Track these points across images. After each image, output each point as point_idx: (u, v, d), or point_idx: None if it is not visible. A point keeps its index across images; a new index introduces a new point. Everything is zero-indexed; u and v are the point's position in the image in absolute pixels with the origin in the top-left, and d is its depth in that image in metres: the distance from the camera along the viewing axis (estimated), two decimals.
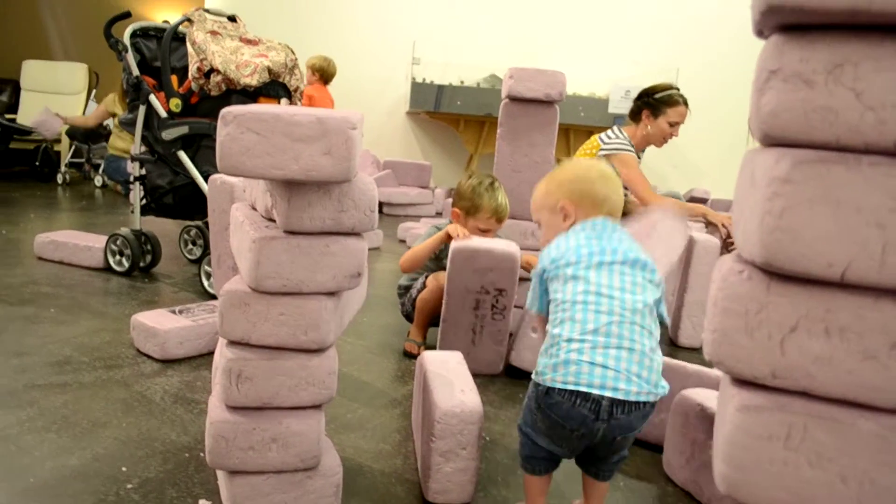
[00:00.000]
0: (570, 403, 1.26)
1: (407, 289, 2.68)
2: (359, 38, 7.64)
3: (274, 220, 1.47)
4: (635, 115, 3.38)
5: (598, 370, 1.24)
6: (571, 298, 1.34)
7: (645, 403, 1.26)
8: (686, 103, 3.34)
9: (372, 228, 1.45)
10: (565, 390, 1.26)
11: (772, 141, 0.70)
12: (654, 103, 3.33)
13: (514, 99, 2.79)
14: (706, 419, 1.51)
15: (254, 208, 1.66)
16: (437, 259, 2.63)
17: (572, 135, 7.11)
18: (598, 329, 1.27)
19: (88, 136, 7.07)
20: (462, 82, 7.05)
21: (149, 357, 2.36)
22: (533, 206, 1.59)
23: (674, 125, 3.32)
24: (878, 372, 0.67)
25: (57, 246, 3.65)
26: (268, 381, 1.40)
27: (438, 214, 6.46)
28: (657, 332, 1.34)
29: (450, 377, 1.70)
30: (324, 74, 5.61)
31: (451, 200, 5.97)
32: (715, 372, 1.81)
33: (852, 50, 0.65)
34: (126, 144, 6.17)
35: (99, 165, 6.86)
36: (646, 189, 3.25)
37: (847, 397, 0.69)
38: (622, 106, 6.65)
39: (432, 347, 2.59)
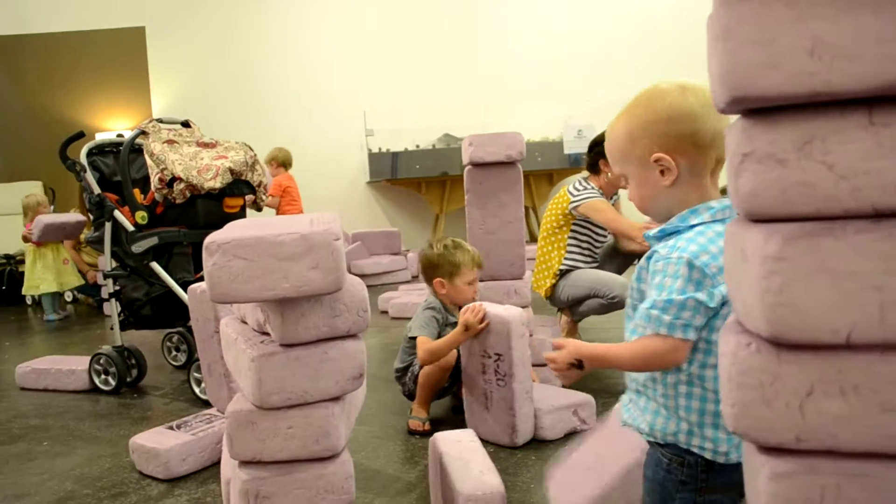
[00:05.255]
0: None
1: (405, 370, 2.67)
2: (310, 116, 7.75)
3: (268, 334, 1.48)
4: (593, 166, 3.44)
5: None
6: None
7: None
8: None
9: (366, 327, 1.46)
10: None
11: (755, 218, 0.73)
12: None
13: (477, 164, 2.84)
14: None
15: (243, 322, 1.66)
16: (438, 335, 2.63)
17: (532, 181, 7.21)
18: None
19: None
20: (417, 146, 7.15)
21: (153, 478, 2.31)
22: (612, 154, 1.22)
23: None
24: None
25: (39, 374, 3.59)
26: (286, 496, 1.39)
27: (414, 278, 6.48)
28: None
29: (466, 458, 1.69)
30: (285, 162, 5.83)
31: None
32: None
33: (818, 126, 0.69)
34: (92, 258, 6.13)
35: None
36: (628, 226, 3.27)
37: (872, 450, 0.71)
38: (576, 146, 6.77)
39: (436, 421, 2.58)
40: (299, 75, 7.95)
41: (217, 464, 2.35)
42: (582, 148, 6.80)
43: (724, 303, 1.06)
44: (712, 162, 1.14)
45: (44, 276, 5.74)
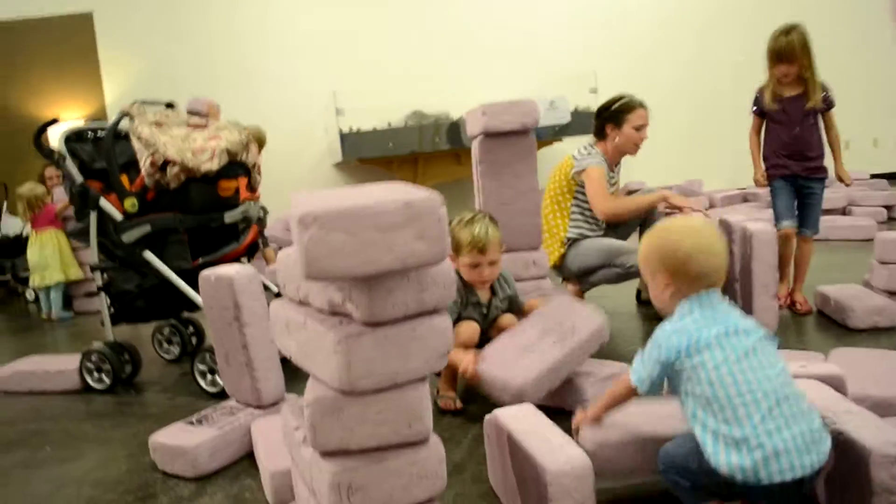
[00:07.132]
0: None
1: None
2: (276, 96, 7.53)
3: (341, 314, 1.37)
4: (600, 131, 3.39)
5: None
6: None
7: None
8: (643, 105, 3.37)
9: (451, 301, 1.37)
10: None
11: None
12: (614, 114, 3.35)
13: (490, 134, 2.75)
14: None
15: (301, 303, 1.55)
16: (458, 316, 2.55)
17: None
18: None
19: (9, 250, 6.65)
20: (389, 124, 7.00)
21: (180, 478, 2.18)
22: (639, 259, 1.65)
23: (640, 128, 3.33)
24: None
25: (23, 376, 3.39)
26: (380, 486, 1.30)
27: None
28: None
29: (540, 432, 1.61)
30: (260, 143, 5.56)
31: None
32: None
33: None
34: None
35: (25, 279, 6.46)
36: (602, 201, 3.24)
37: None
38: (549, 117, 6.72)
39: (466, 399, 2.51)
40: (262, 56, 7.71)
41: (246, 457, 2.25)
42: (555, 119, 6.78)
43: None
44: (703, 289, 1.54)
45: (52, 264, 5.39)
